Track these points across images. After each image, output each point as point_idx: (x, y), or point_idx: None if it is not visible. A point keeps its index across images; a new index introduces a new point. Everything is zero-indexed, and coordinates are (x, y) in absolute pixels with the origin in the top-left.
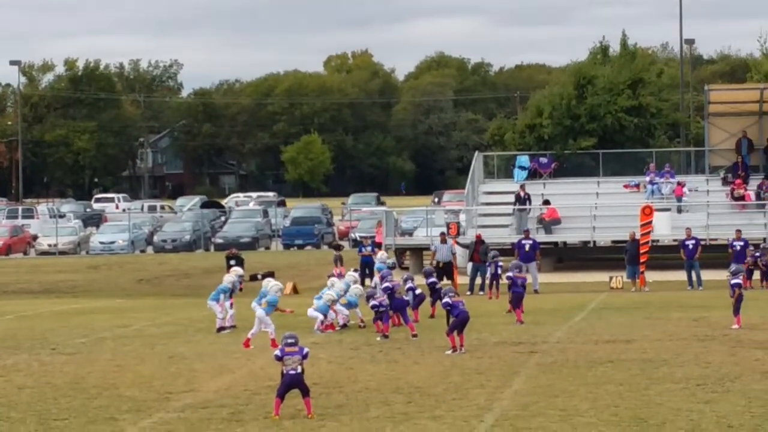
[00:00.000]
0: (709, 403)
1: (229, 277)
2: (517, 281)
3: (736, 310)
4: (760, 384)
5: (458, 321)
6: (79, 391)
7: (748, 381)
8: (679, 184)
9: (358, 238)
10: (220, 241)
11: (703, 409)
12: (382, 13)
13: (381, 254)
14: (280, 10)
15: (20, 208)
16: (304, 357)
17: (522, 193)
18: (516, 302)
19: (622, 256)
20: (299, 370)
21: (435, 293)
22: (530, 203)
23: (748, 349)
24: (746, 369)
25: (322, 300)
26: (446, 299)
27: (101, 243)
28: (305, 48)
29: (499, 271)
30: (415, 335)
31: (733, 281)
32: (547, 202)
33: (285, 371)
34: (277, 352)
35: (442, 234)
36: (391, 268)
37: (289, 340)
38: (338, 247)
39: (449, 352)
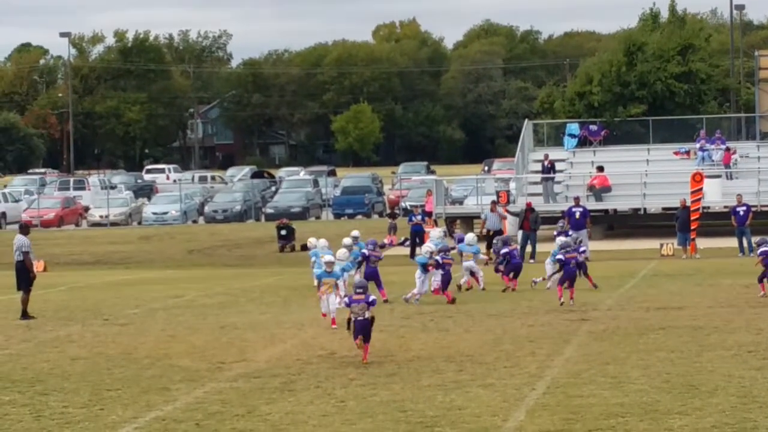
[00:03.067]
0: (761, 369)
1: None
2: (569, 261)
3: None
4: None
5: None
6: (131, 362)
7: None
8: (727, 150)
9: (409, 207)
10: (270, 211)
11: (755, 375)
12: None
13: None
14: None
15: (72, 179)
16: (370, 304)
17: (546, 162)
18: (570, 282)
19: (672, 223)
20: (366, 315)
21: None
22: (554, 172)
23: None
24: None
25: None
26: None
27: (154, 214)
28: (351, 17)
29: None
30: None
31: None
32: (600, 169)
33: (353, 318)
34: (346, 299)
35: (493, 202)
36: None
37: (358, 289)
38: (394, 216)
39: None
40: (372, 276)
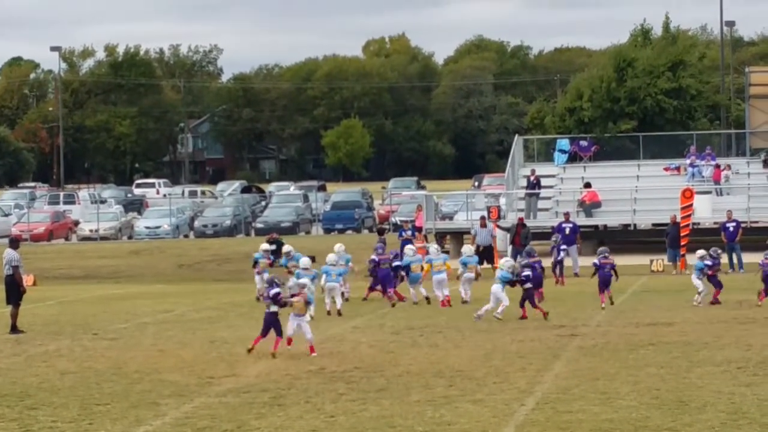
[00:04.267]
0: (751, 386)
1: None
2: (605, 266)
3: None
4: None
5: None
6: (121, 376)
7: None
8: (717, 167)
9: (399, 222)
10: (260, 225)
11: (744, 391)
12: None
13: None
14: None
15: (62, 193)
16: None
17: (532, 178)
18: (603, 286)
19: (662, 239)
20: (273, 309)
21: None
22: (540, 187)
23: None
24: None
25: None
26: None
27: (146, 228)
28: (341, 32)
29: (562, 255)
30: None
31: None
32: (588, 185)
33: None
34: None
35: (482, 218)
36: None
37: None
38: (382, 231)
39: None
40: (385, 278)
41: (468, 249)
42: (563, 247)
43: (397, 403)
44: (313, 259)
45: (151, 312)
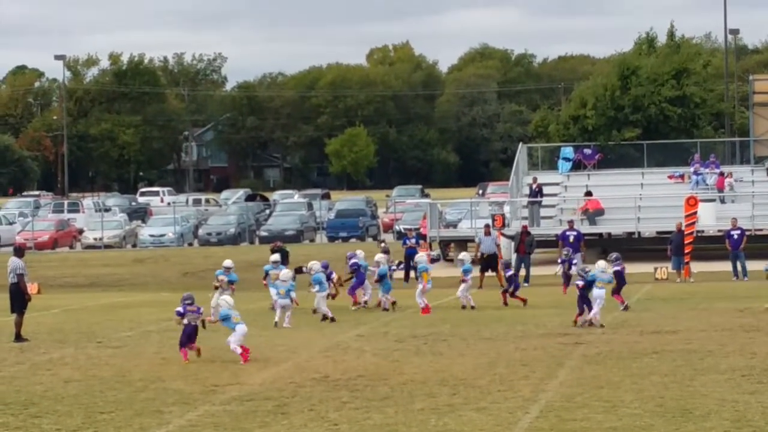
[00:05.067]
0: (755, 393)
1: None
2: (623, 272)
3: None
4: None
5: None
6: (125, 384)
7: None
8: (721, 174)
9: (403, 230)
10: (264, 234)
11: (748, 399)
12: (419, 4)
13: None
14: (314, 2)
15: (66, 202)
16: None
17: (534, 186)
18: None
19: (666, 247)
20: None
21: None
22: (542, 195)
23: None
24: None
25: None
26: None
27: (151, 236)
28: (344, 40)
29: (574, 270)
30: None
31: None
32: (589, 194)
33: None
34: (180, 309)
35: (486, 226)
36: (435, 260)
37: (187, 301)
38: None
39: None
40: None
41: (465, 255)
42: (575, 261)
43: (401, 411)
44: (326, 266)
45: (155, 320)
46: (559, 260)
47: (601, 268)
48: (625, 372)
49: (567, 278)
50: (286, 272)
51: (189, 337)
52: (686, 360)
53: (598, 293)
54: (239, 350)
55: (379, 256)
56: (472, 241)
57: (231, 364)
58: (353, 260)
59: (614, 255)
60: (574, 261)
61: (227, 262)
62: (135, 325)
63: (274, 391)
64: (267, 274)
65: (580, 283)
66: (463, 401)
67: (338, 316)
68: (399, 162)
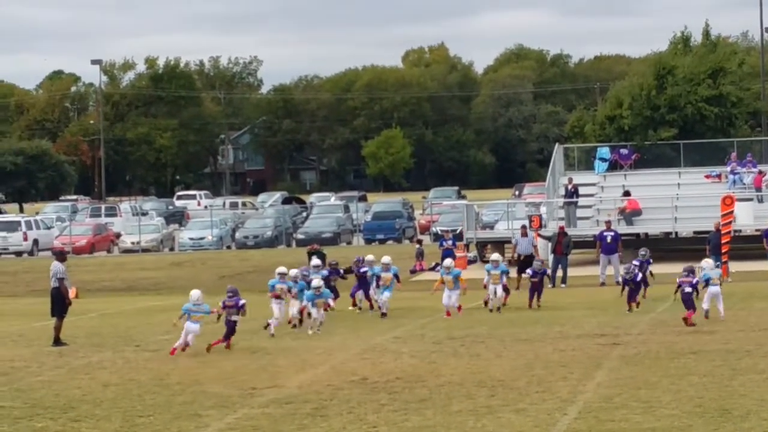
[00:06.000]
0: None
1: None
2: (684, 285)
3: None
4: None
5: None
6: (163, 388)
7: None
8: (760, 173)
9: (439, 232)
10: (301, 236)
11: None
12: (453, 5)
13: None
14: (348, 4)
15: (103, 206)
16: (240, 308)
17: (570, 186)
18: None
19: (704, 246)
20: (234, 318)
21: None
22: (577, 196)
23: None
24: None
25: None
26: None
27: (191, 239)
28: (380, 42)
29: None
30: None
31: None
32: (627, 194)
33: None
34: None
35: (523, 227)
36: (472, 261)
37: (229, 293)
38: (420, 242)
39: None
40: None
41: (496, 256)
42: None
43: (439, 413)
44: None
45: None
46: (636, 262)
47: (710, 265)
48: (662, 372)
49: (638, 288)
50: (317, 281)
51: (228, 333)
52: (724, 360)
53: (714, 290)
54: None
55: (386, 258)
56: (509, 242)
57: (269, 367)
58: (363, 267)
59: (643, 250)
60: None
61: (281, 269)
62: (172, 329)
63: (312, 393)
64: (273, 288)
65: (688, 288)
66: (501, 403)
67: (369, 318)
68: (435, 163)
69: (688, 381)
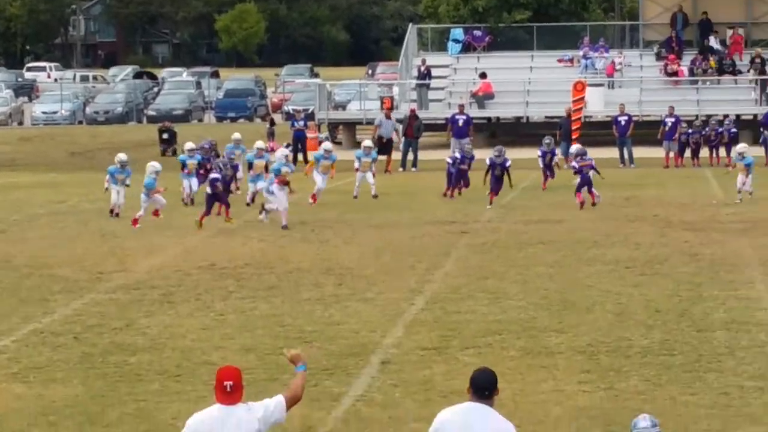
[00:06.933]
0: (638, 286)
1: None
2: (583, 169)
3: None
4: (688, 267)
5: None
6: (10, 270)
7: (676, 263)
8: (612, 63)
9: (291, 111)
10: (152, 113)
11: (631, 292)
12: None
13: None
14: None
15: None
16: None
17: (423, 68)
18: (587, 186)
19: (555, 131)
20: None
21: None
22: (430, 78)
23: (677, 231)
24: (675, 251)
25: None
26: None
27: (44, 113)
28: None
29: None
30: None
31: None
32: (483, 75)
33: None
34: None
35: (388, 109)
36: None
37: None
38: (272, 122)
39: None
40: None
41: (368, 143)
42: (555, 150)
43: (287, 301)
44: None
45: (44, 203)
46: (539, 153)
47: (742, 149)
48: (510, 262)
49: (551, 171)
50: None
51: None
52: (572, 250)
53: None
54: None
55: (259, 143)
56: (361, 123)
57: (118, 250)
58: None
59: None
60: (556, 151)
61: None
62: (23, 208)
63: (160, 279)
64: (184, 165)
65: (576, 165)
66: (349, 292)
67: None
68: (289, 39)
69: (535, 272)
